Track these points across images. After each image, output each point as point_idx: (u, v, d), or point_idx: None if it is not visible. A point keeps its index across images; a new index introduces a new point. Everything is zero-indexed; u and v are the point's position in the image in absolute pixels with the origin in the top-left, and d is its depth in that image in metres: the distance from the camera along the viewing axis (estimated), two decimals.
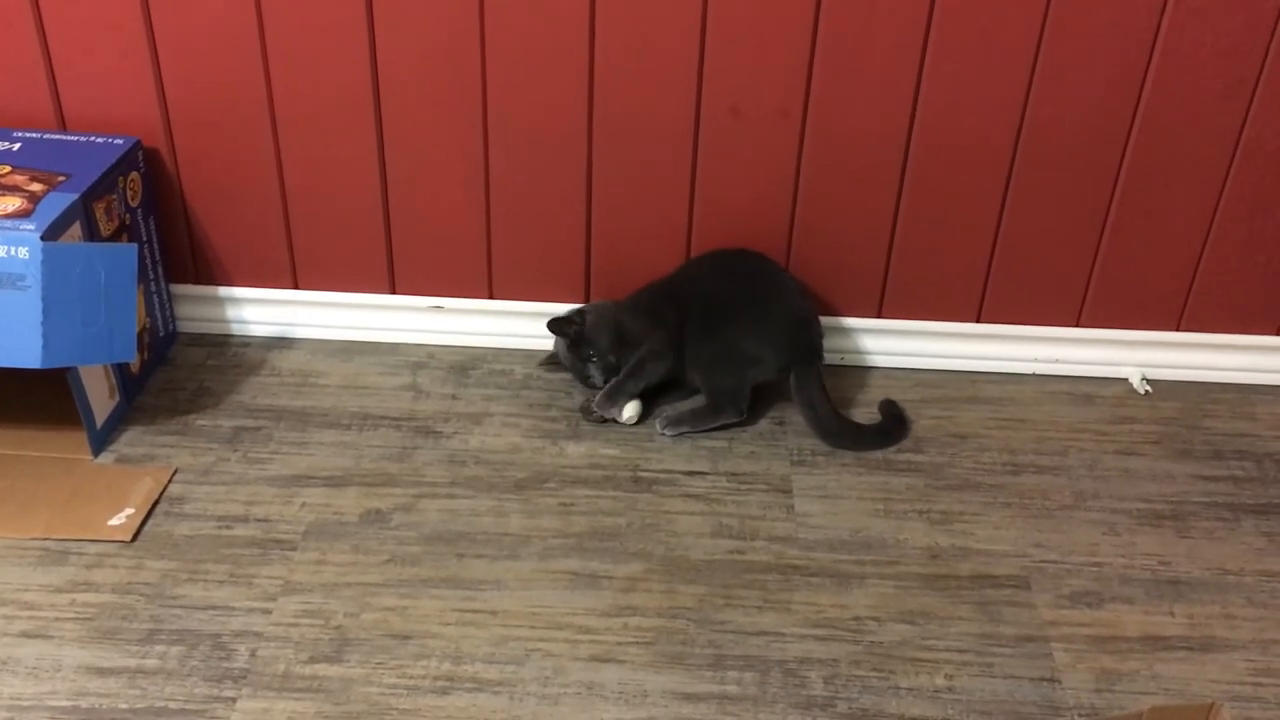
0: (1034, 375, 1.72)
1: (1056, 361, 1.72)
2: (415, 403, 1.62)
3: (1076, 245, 1.63)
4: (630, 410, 1.58)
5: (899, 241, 1.64)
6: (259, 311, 1.73)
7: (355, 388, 1.65)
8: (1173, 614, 1.34)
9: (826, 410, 1.56)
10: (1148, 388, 1.70)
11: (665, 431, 1.57)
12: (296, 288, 1.72)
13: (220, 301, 1.72)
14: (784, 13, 1.47)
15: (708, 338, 1.57)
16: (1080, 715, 1.22)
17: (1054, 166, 1.57)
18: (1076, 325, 1.70)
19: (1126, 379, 1.71)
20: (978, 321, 1.70)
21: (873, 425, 1.59)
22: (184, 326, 1.74)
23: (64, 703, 1.19)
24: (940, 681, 1.25)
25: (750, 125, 1.55)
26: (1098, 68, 1.50)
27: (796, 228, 1.63)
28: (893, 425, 1.59)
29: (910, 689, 1.24)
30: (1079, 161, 1.57)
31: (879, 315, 1.70)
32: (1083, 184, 1.59)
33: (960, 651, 1.29)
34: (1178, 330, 1.70)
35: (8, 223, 1.36)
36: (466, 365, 1.70)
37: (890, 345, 1.72)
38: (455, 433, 1.57)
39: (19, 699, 1.19)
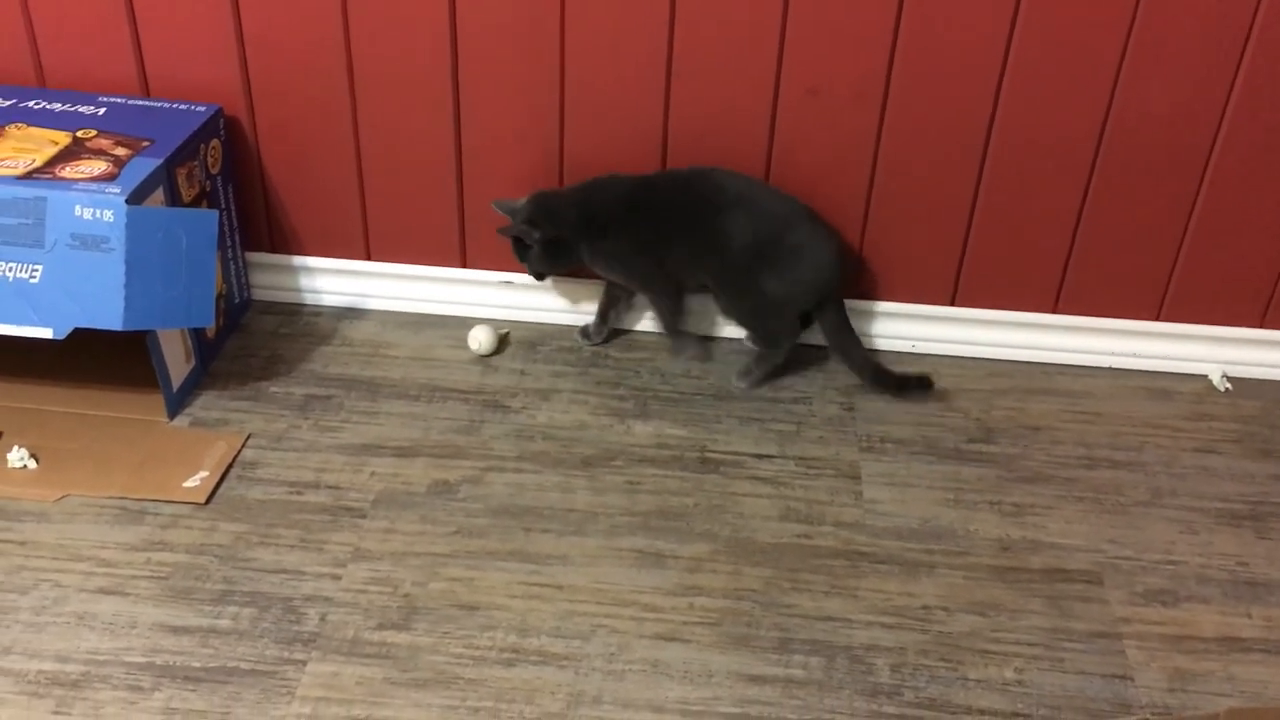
0: (1110, 369, 1.69)
1: (1134, 355, 1.68)
2: (484, 377, 1.63)
3: (1159, 239, 1.60)
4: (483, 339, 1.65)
5: (976, 229, 1.61)
6: (331, 281, 1.75)
7: (425, 360, 1.65)
8: (1250, 615, 1.31)
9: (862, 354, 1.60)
10: (1228, 385, 1.66)
11: (740, 384, 1.61)
12: (369, 259, 1.73)
13: (294, 270, 1.74)
14: None
15: (737, 290, 1.58)
16: (1153, 713, 1.20)
17: (1139, 159, 1.54)
18: (1156, 319, 1.66)
19: (1206, 376, 1.68)
20: (1054, 312, 1.67)
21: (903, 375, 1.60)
22: (257, 294, 1.76)
23: (139, 659, 1.21)
24: (1010, 674, 1.24)
25: (828, 107, 1.54)
26: (1189, 62, 1.46)
27: (871, 212, 1.61)
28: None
29: (979, 680, 1.23)
30: (1165, 155, 1.53)
31: (952, 303, 1.68)
32: (1168, 177, 1.55)
33: (1030, 645, 1.27)
34: (1261, 327, 1.66)
35: (94, 186, 1.39)
36: (535, 341, 1.70)
37: (963, 334, 1.69)
38: (523, 408, 1.57)
39: (96, 653, 1.22)
